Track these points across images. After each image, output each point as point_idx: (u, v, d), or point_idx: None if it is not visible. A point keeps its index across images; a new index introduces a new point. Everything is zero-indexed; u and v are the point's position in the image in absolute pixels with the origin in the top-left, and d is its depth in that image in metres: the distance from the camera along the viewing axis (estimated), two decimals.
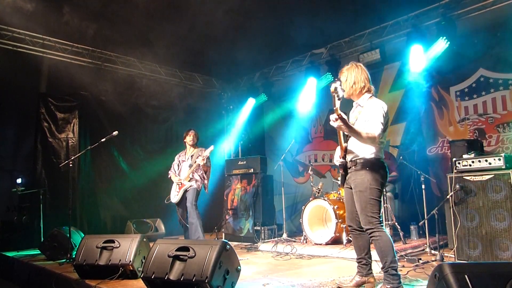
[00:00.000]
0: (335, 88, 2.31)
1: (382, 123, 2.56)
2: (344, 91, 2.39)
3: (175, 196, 4.82)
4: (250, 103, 7.80)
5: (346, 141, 2.70)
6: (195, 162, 4.70)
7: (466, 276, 1.65)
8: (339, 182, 2.79)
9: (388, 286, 2.48)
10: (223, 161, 7.30)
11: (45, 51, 5.99)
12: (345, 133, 2.57)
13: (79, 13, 5.14)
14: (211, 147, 4.81)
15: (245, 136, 8.17)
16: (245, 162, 6.08)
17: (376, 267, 2.87)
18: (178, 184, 4.81)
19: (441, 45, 5.15)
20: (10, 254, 5.16)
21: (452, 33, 5.05)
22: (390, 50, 5.85)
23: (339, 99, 2.34)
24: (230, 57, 6.36)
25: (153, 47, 5.90)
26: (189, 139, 4.98)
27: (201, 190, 4.81)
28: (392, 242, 2.58)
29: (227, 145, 8.57)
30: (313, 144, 7.41)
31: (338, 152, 2.82)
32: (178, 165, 4.97)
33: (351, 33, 6.14)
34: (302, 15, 5.31)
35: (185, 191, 4.73)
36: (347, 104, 2.74)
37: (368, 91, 2.73)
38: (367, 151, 2.61)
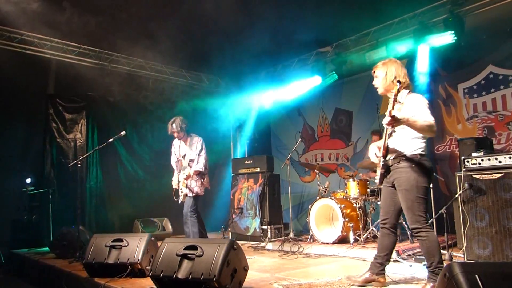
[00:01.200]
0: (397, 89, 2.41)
1: (430, 113, 2.49)
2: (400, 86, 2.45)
3: (179, 195, 4.48)
4: (256, 102, 7.79)
5: (387, 139, 2.60)
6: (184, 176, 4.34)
7: (476, 276, 1.62)
8: (377, 180, 2.66)
9: (433, 284, 2.44)
10: (229, 160, 7.32)
11: (53, 53, 6.05)
12: (404, 126, 2.46)
13: (85, 14, 5.17)
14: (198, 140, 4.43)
15: (251, 135, 8.17)
16: (251, 161, 6.08)
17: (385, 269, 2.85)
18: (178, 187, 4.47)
19: (449, 41, 5.08)
20: (21, 252, 5.24)
21: (460, 29, 4.98)
22: (396, 47, 5.78)
23: (396, 98, 2.42)
24: (235, 56, 6.36)
25: (159, 47, 5.93)
26: (175, 135, 4.49)
27: (202, 194, 4.48)
28: (438, 242, 2.51)
29: (234, 144, 8.58)
30: (319, 143, 7.38)
31: (373, 149, 2.75)
32: (177, 159, 4.56)
33: (357, 31, 6.10)
34: (307, 14, 5.29)
35: (185, 195, 4.41)
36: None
37: (407, 87, 2.66)
38: (412, 148, 2.55)
